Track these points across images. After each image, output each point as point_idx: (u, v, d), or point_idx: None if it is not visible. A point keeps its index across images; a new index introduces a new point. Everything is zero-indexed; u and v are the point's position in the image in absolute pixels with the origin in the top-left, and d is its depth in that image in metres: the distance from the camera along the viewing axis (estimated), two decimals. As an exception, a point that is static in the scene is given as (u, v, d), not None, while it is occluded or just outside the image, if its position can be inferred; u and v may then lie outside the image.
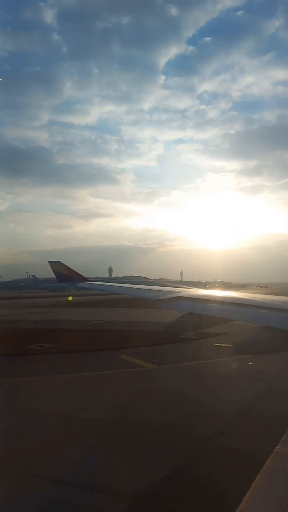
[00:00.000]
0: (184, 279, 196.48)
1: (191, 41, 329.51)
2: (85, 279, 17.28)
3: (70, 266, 16.63)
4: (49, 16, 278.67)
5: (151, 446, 7.79)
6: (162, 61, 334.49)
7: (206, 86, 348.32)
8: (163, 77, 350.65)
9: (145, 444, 7.87)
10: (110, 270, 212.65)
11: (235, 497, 5.05)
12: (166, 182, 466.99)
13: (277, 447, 7.20)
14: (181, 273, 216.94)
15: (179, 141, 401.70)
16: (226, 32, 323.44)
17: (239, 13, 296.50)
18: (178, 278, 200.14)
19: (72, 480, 6.52)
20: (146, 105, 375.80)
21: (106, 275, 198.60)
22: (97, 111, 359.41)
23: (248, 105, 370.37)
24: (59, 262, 16.65)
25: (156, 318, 20.69)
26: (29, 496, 6.10)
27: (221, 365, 14.94)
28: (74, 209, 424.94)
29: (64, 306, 49.86)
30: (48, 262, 16.66)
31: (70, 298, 35.37)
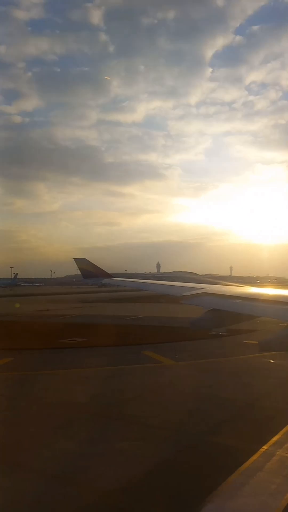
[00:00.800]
0: (233, 274, 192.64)
1: (239, 31, 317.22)
2: (110, 276, 17.61)
3: (95, 263, 17.07)
4: (95, 17, 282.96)
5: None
6: (209, 53, 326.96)
7: (254, 76, 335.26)
8: (210, 70, 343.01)
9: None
10: (158, 266, 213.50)
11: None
12: (214, 175, 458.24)
13: (263, 447, 7.13)
14: (231, 268, 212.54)
15: (227, 134, 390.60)
16: (275, 19, 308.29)
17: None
18: (227, 273, 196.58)
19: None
20: (193, 99, 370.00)
21: (154, 270, 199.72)
22: (144, 107, 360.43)
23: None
24: (84, 259, 17.13)
25: (195, 314, 20.51)
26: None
27: (240, 363, 14.76)
28: (122, 206, 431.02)
29: (107, 301, 51.09)
30: (74, 259, 17.18)
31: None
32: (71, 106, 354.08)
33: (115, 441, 7.78)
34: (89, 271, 16.74)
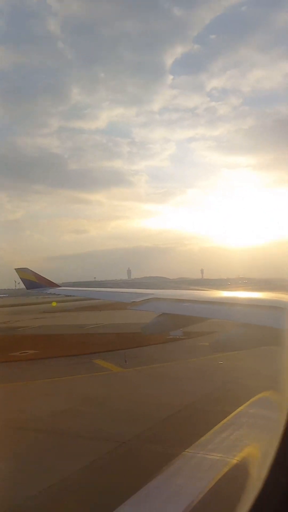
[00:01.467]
0: (205, 277, 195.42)
1: (197, 40, 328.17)
2: (55, 285, 17.03)
3: (38, 273, 16.43)
4: (55, 28, 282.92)
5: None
6: (169, 61, 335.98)
7: (215, 83, 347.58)
8: (171, 77, 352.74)
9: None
10: (129, 272, 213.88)
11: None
12: (181, 181, 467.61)
13: (186, 449, 6.92)
14: (202, 271, 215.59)
15: (191, 139, 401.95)
16: (232, 29, 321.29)
17: (244, 8, 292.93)
18: (199, 277, 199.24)
19: None
20: (156, 106, 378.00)
21: (125, 277, 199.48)
22: (107, 115, 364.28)
23: (260, 100, 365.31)
24: (26, 268, 16.45)
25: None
26: None
27: (188, 366, 14.64)
28: (90, 213, 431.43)
29: (72, 310, 49.99)
30: (15, 269, 16.49)
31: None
32: (31, 114, 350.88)
33: (35, 454, 7.62)
34: (32, 282, 16.11)
